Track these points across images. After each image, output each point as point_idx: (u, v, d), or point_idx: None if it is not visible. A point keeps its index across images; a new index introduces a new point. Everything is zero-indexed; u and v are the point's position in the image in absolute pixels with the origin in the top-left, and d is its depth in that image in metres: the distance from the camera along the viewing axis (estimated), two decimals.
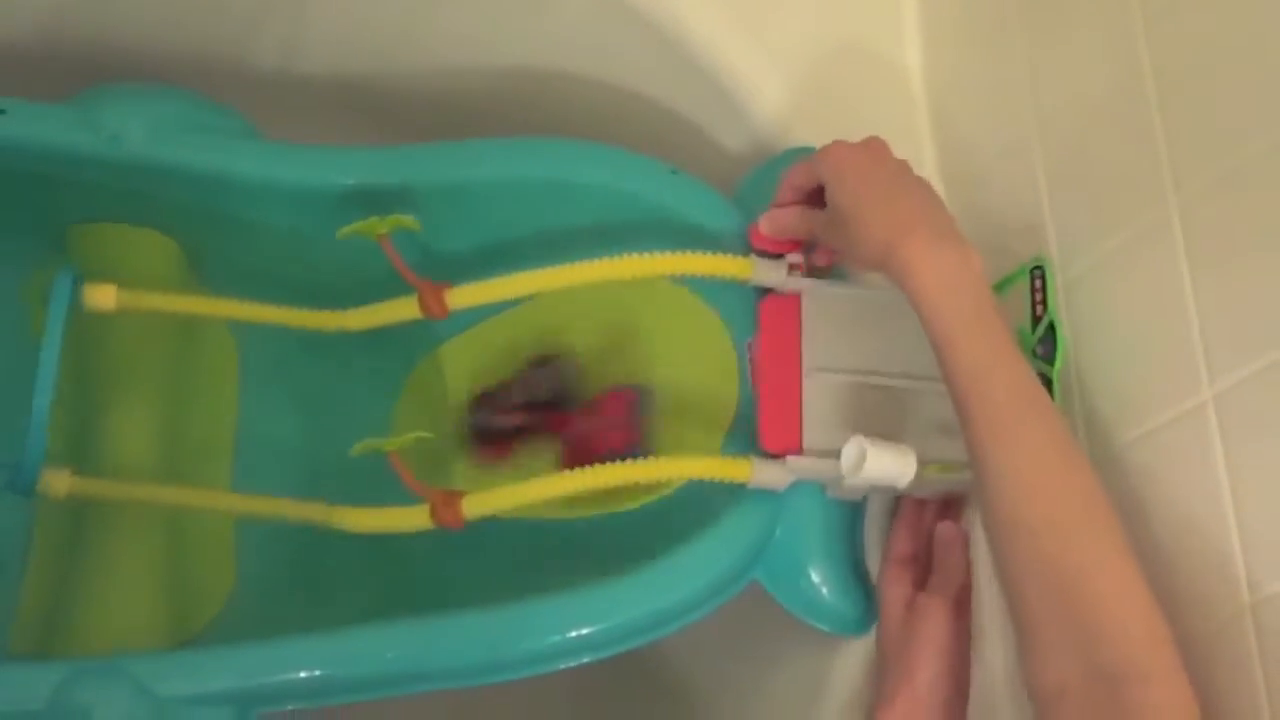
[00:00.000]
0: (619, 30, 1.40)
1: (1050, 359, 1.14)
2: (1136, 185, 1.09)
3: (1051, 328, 1.15)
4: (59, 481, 1.25)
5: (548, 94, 1.50)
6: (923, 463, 1.12)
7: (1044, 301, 1.16)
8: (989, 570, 1.14)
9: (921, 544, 1.18)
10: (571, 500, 1.16)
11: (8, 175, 1.28)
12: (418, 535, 1.22)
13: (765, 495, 1.16)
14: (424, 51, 1.51)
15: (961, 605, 1.14)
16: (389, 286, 1.29)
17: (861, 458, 1.10)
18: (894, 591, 1.15)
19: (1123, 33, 1.11)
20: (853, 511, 1.21)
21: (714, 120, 1.41)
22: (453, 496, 1.17)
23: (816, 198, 1.18)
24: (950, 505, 1.20)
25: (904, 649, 1.11)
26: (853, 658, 1.21)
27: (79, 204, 1.33)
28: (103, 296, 1.27)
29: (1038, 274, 1.18)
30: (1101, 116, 1.14)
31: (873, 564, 1.22)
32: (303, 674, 1.13)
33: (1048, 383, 1.14)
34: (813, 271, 1.23)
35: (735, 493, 1.17)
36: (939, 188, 1.30)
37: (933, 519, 1.19)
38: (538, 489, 1.13)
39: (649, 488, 1.21)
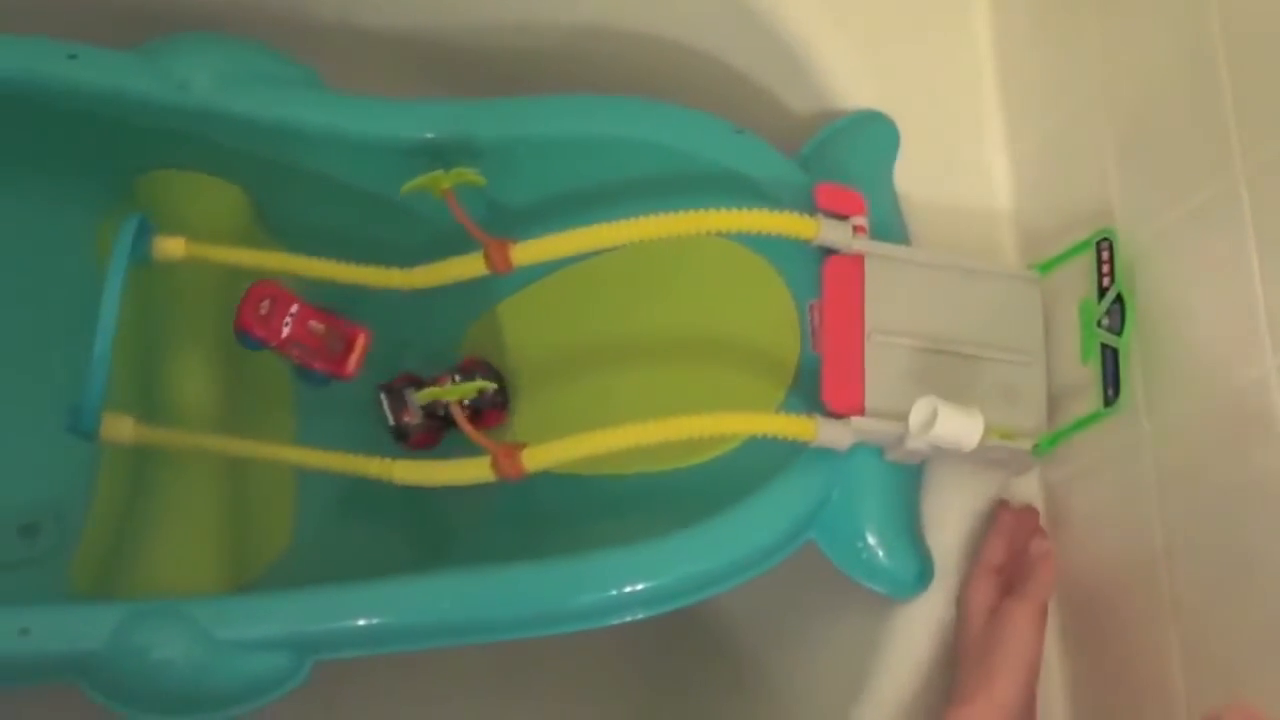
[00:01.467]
0: None
1: (1117, 330, 1.14)
2: (1204, 154, 1.08)
3: (1119, 299, 1.14)
4: (121, 427, 1.26)
5: (613, 52, 1.50)
6: (986, 428, 1.11)
7: (1111, 273, 1.16)
8: None
9: (1011, 555, 1.18)
10: (630, 456, 1.15)
11: (78, 120, 1.29)
12: (464, 494, 1.23)
13: (823, 456, 1.16)
14: (488, 6, 1.51)
15: (1044, 618, 1.14)
16: (454, 242, 1.29)
17: (932, 417, 1.10)
18: (979, 596, 1.16)
19: (1194, 1, 1.10)
20: (911, 475, 1.21)
21: (780, 82, 1.40)
22: (514, 448, 1.17)
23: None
24: (1040, 528, 1.21)
25: (987, 653, 1.11)
26: (907, 621, 1.21)
27: (148, 151, 1.35)
28: (172, 247, 1.28)
29: (1104, 245, 1.17)
30: (1170, 85, 1.14)
31: (932, 533, 1.22)
32: (360, 621, 1.13)
33: (1114, 354, 1.14)
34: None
35: (793, 453, 1.17)
36: (1003, 155, 1.31)
37: (1026, 534, 1.19)
38: (601, 440, 1.13)
39: (707, 445, 1.20)
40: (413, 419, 1.35)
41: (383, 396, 1.38)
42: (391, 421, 1.37)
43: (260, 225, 1.41)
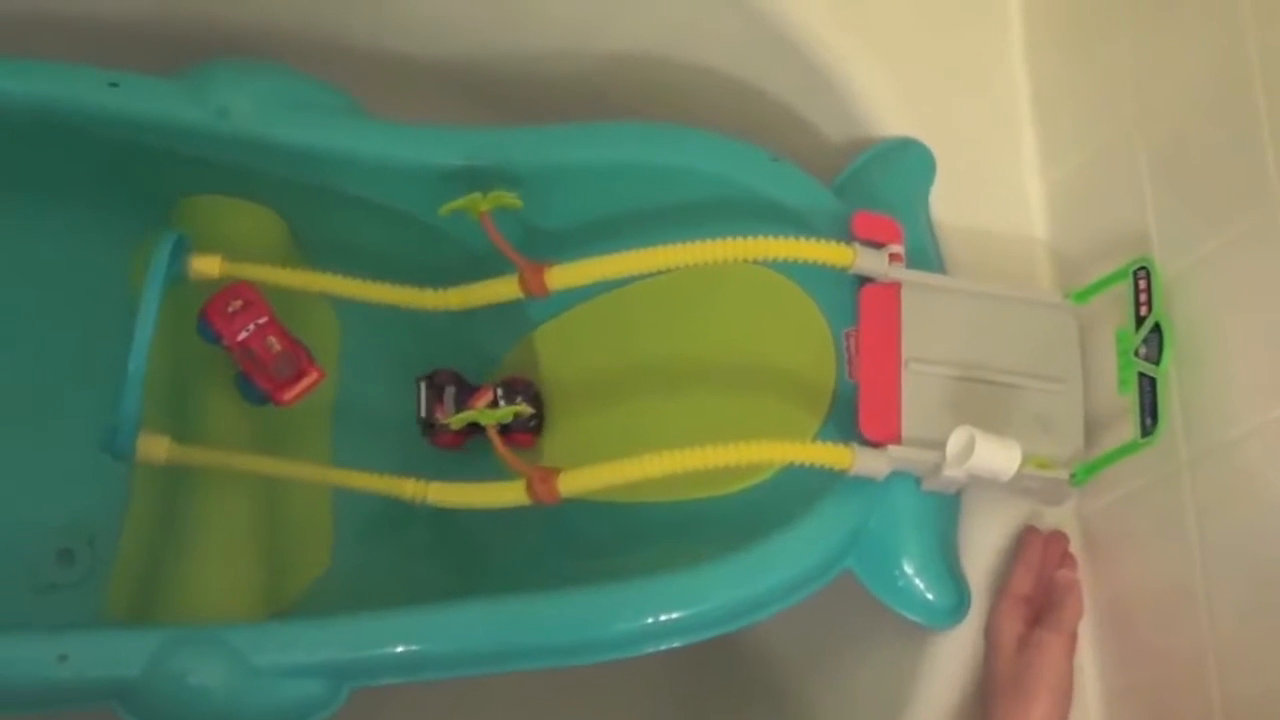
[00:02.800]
0: (720, 17, 1.41)
1: (1155, 359, 1.14)
2: (1241, 182, 1.08)
3: (1157, 327, 1.14)
4: (157, 447, 1.27)
5: (648, 79, 1.50)
6: (1023, 458, 1.11)
7: (1148, 302, 1.15)
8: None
9: (1038, 584, 1.18)
10: (665, 483, 1.15)
11: (119, 147, 1.30)
12: (498, 517, 1.23)
13: (860, 485, 1.16)
14: (526, 34, 1.52)
15: (1074, 647, 1.14)
16: (489, 265, 1.30)
17: (969, 447, 1.10)
18: (1009, 626, 1.16)
19: (1229, 27, 1.10)
20: (948, 504, 1.21)
21: (815, 109, 1.40)
22: (549, 473, 1.17)
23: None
24: (1068, 554, 1.20)
25: (1019, 682, 1.12)
26: (943, 650, 1.20)
27: (187, 177, 1.35)
28: (207, 266, 1.29)
29: (1142, 273, 1.17)
30: (1206, 111, 1.14)
31: (966, 561, 1.22)
32: (397, 649, 1.14)
33: (1152, 383, 1.13)
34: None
35: (830, 482, 1.17)
36: (1039, 182, 1.31)
37: (1054, 563, 1.19)
38: (637, 467, 1.13)
39: (743, 473, 1.21)
40: (445, 417, 1.35)
41: (422, 386, 1.39)
42: (423, 413, 1.38)
43: (296, 248, 1.42)
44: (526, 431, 1.37)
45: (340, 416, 1.44)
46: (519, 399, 1.35)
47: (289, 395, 1.33)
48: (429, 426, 1.38)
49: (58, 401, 1.37)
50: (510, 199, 1.27)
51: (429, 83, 1.57)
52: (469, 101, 1.59)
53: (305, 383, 1.33)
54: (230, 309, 1.31)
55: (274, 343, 1.32)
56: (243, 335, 1.31)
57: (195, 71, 1.32)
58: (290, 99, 1.32)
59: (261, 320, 1.32)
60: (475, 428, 1.28)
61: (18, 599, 1.31)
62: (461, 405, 1.36)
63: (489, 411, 1.25)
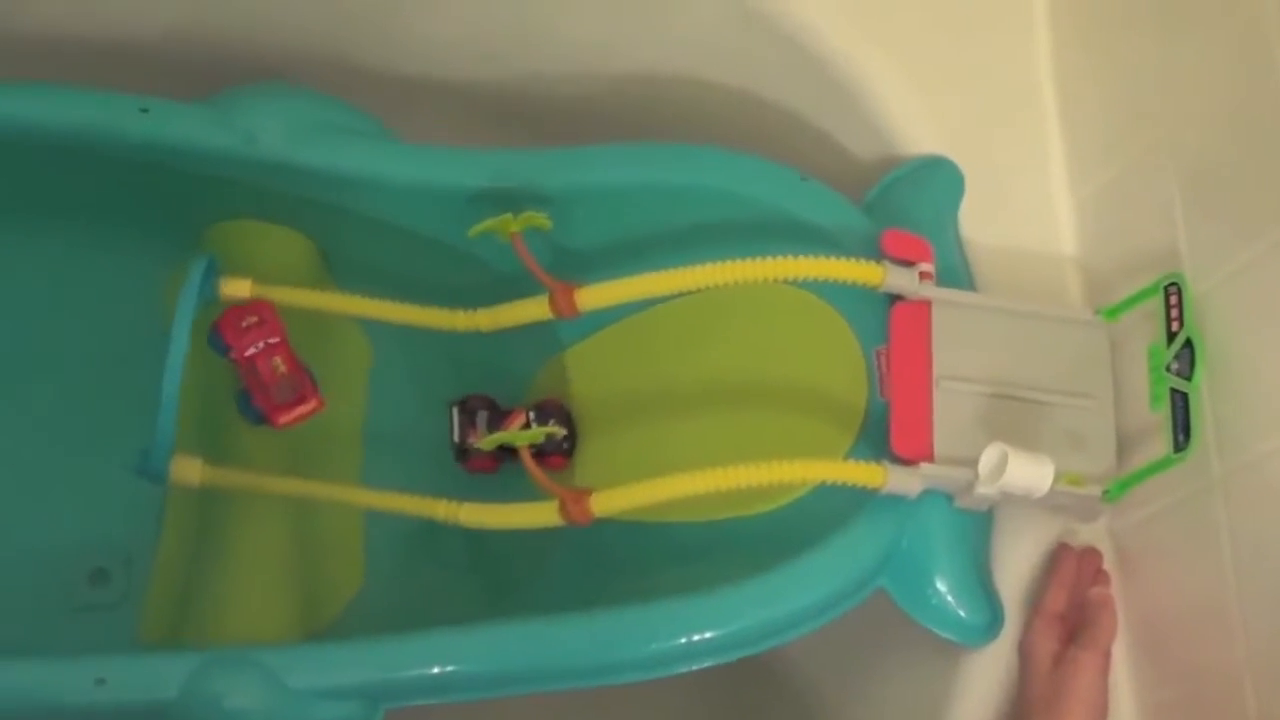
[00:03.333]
0: (745, 36, 1.41)
1: (1187, 375, 1.14)
2: (1271, 195, 1.08)
3: (1188, 343, 1.14)
4: (190, 469, 1.27)
5: (674, 99, 1.51)
6: (1056, 475, 1.11)
7: (1180, 317, 1.15)
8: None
9: (1072, 601, 1.18)
10: (697, 503, 1.15)
11: (149, 173, 1.31)
12: (530, 536, 1.23)
13: (892, 503, 1.16)
14: (551, 55, 1.52)
15: (1108, 665, 1.14)
16: (518, 287, 1.30)
17: (1002, 464, 1.10)
18: (1044, 644, 1.16)
19: (1258, 40, 1.10)
20: (980, 522, 1.21)
21: (843, 128, 1.41)
22: (582, 494, 1.18)
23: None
24: (1101, 571, 1.20)
25: (1054, 701, 1.12)
26: (977, 668, 1.20)
27: (216, 202, 1.36)
28: (238, 288, 1.30)
29: (1172, 289, 1.17)
30: (1235, 125, 1.14)
31: (999, 578, 1.22)
32: (432, 670, 1.14)
33: (1184, 399, 1.13)
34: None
35: (862, 500, 1.17)
36: (1068, 199, 1.31)
37: (1087, 581, 1.19)
38: (669, 486, 1.13)
39: (775, 492, 1.21)
40: (478, 441, 1.36)
41: (454, 412, 1.39)
42: (456, 439, 1.38)
43: (325, 271, 1.42)
44: (559, 453, 1.37)
45: (371, 438, 1.44)
46: (551, 421, 1.36)
47: (284, 419, 1.32)
48: (463, 451, 1.38)
49: (92, 424, 1.37)
50: (541, 219, 1.27)
51: (452, 105, 1.57)
52: (492, 123, 1.60)
53: (302, 409, 1.32)
54: (244, 323, 1.31)
55: (280, 364, 1.32)
56: (250, 351, 1.31)
57: (224, 97, 1.33)
58: (319, 123, 1.32)
59: (273, 340, 1.31)
60: (508, 451, 1.29)
61: (54, 620, 1.32)
62: (494, 428, 1.36)
63: (521, 433, 1.25)
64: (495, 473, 1.39)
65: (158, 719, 1.12)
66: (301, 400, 1.32)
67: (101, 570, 1.35)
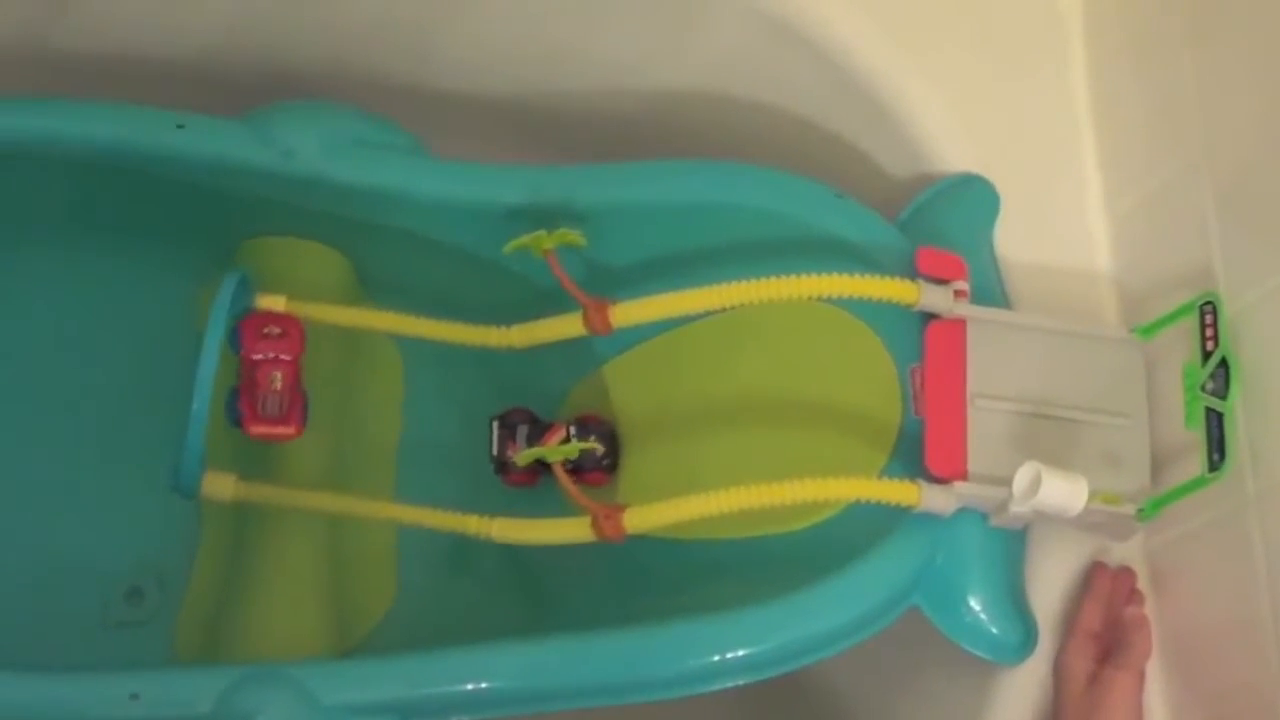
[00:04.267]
0: (778, 53, 1.41)
1: (1222, 394, 1.13)
2: None
3: (1224, 362, 1.14)
4: (223, 485, 1.28)
5: (708, 117, 1.51)
6: (1090, 493, 1.11)
7: (1215, 336, 1.15)
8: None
9: (1107, 620, 1.18)
10: (731, 521, 1.15)
11: (185, 189, 1.32)
12: (564, 552, 1.23)
13: (926, 521, 1.16)
14: (584, 74, 1.53)
15: (1143, 685, 1.14)
16: (552, 303, 1.30)
17: (1036, 482, 1.09)
18: (1079, 663, 1.15)
19: None
20: (1014, 540, 1.21)
21: (877, 146, 1.41)
22: (615, 510, 1.18)
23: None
24: (1136, 590, 1.20)
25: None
26: (1011, 686, 1.20)
27: (252, 218, 1.37)
28: (273, 304, 1.30)
29: (1208, 308, 1.16)
30: (1272, 143, 1.13)
31: (1032, 596, 1.22)
32: (466, 686, 1.14)
33: (1219, 418, 1.13)
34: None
35: (896, 518, 1.17)
36: (1103, 217, 1.31)
37: (1122, 599, 1.18)
38: (703, 504, 1.13)
39: (809, 510, 1.20)
40: (517, 455, 1.36)
41: (494, 425, 1.40)
42: (495, 452, 1.39)
43: (360, 288, 1.43)
44: (599, 469, 1.37)
45: (405, 453, 1.44)
46: (591, 436, 1.36)
47: (257, 430, 1.30)
48: (502, 465, 1.38)
49: (127, 440, 1.38)
50: (574, 237, 1.27)
51: (484, 123, 1.58)
52: (525, 141, 1.60)
53: (278, 430, 1.31)
54: (266, 330, 1.31)
55: (278, 380, 1.30)
56: (259, 356, 1.30)
57: (260, 113, 1.33)
58: (355, 139, 1.33)
59: (284, 356, 1.31)
60: (546, 465, 1.29)
61: (88, 636, 1.33)
62: (534, 443, 1.36)
63: (556, 448, 1.25)
64: (535, 486, 1.39)
65: None
66: (282, 422, 1.30)
67: (137, 587, 1.36)
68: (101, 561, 1.35)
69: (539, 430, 1.38)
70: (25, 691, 1.12)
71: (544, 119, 1.57)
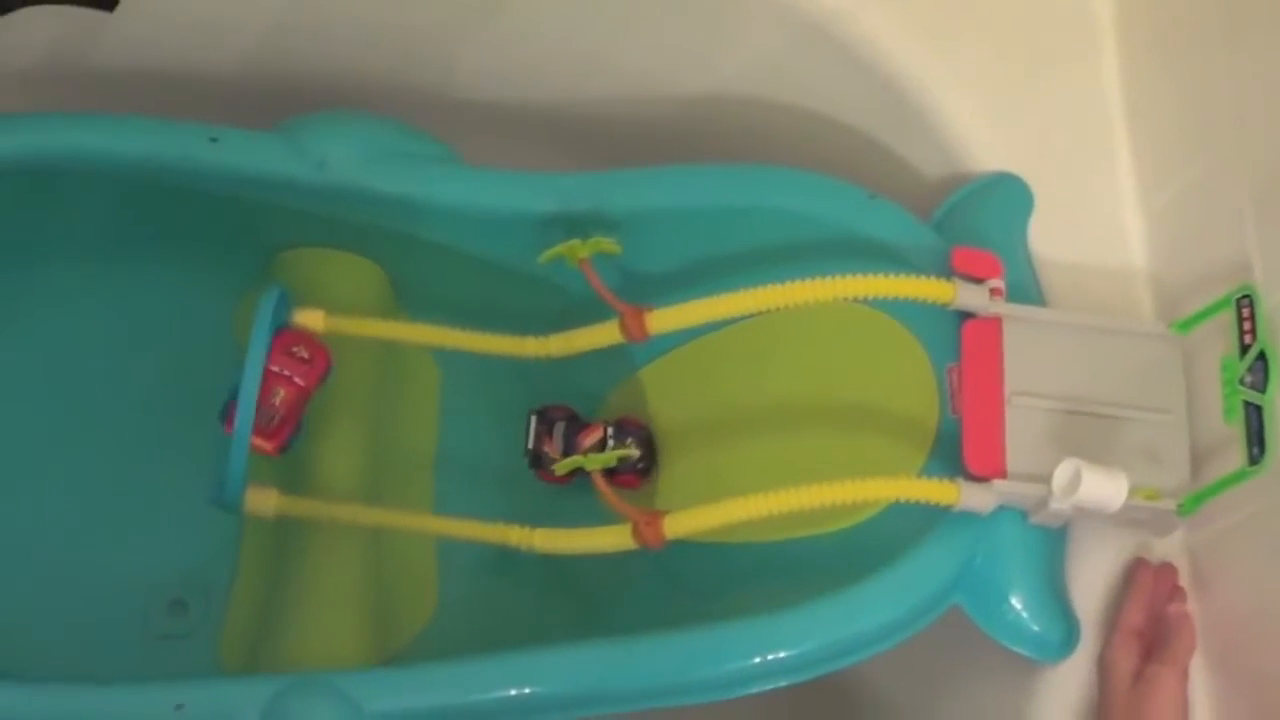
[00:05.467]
0: (810, 57, 1.41)
1: (1261, 388, 1.13)
2: None
3: (1262, 355, 1.13)
4: (265, 500, 1.28)
5: (740, 121, 1.51)
6: (1130, 489, 1.11)
7: (1253, 330, 1.15)
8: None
9: (1150, 617, 1.18)
10: (771, 523, 1.15)
11: (219, 202, 1.32)
12: (604, 558, 1.23)
13: (966, 520, 1.16)
14: (615, 78, 1.53)
15: (1186, 681, 1.14)
16: (588, 311, 1.31)
17: (1075, 479, 1.09)
18: (1124, 661, 1.15)
19: None
20: (1055, 537, 1.20)
21: (910, 146, 1.41)
22: (654, 516, 1.18)
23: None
24: (1178, 586, 1.20)
25: (1135, 718, 1.11)
26: (1054, 684, 1.20)
27: (286, 229, 1.37)
28: (311, 320, 1.30)
29: (1245, 302, 1.16)
30: None
31: (1073, 593, 1.21)
32: (509, 692, 1.14)
33: (1258, 411, 1.13)
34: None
35: (936, 518, 1.17)
36: (1137, 212, 1.31)
37: (1165, 596, 1.18)
38: (743, 507, 1.14)
39: (849, 511, 1.20)
40: (553, 451, 1.37)
41: (532, 419, 1.40)
42: (530, 445, 1.39)
43: (395, 298, 1.43)
44: (633, 473, 1.37)
45: (442, 464, 1.45)
46: (629, 440, 1.36)
47: (230, 428, 1.25)
48: (536, 459, 1.39)
49: (167, 454, 1.39)
50: (609, 244, 1.28)
51: (514, 131, 1.58)
52: (556, 149, 1.60)
53: (256, 441, 1.27)
54: (295, 349, 1.30)
55: (280, 395, 1.29)
56: (275, 369, 1.28)
57: (293, 124, 1.34)
58: (387, 149, 1.34)
59: (299, 380, 1.29)
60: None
61: (133, 649, 1.34)
62: (570, 440, 1.37)
63: (594, 456, 1.26)
64: (569, 483, 1.39)
65: None
66: (264, 435, 1.28)
67: (180, 600, 1.36)
68: (145, 574, 1.36)
69: (576, 428, 1.38)
70: (72, 702, 1.13)
71: (574, 127, 1.57)
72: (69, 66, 1.43)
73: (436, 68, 1.52)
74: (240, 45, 1.46)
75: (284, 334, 1.30)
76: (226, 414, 1.27)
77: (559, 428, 1.38)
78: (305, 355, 1.29)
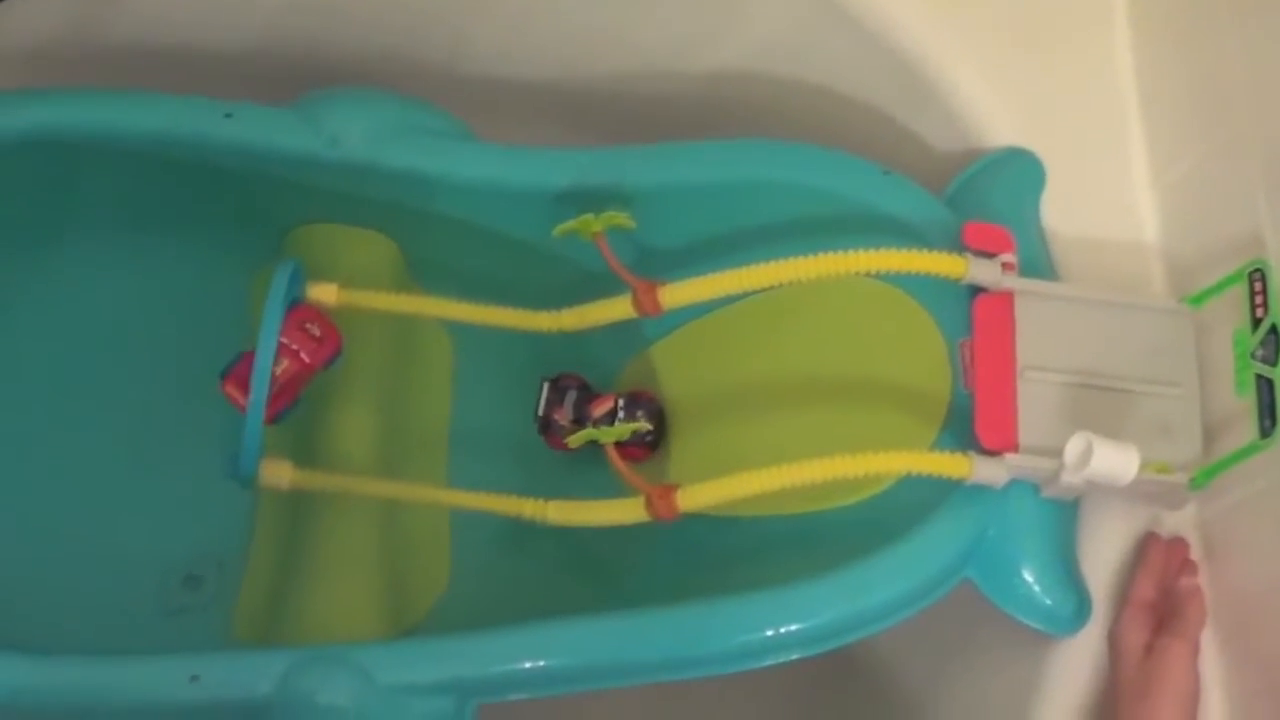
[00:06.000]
0: (822, 32, 1.41)
1: (1272, 361, 1.13)
2: None
3: (1274, 329, 1.14)
4: (280, 473, 1.29)
5: (755, 97, 1.51)
6: (1142, 463, 1.11)
7: (1265, 304, 1.15)
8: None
9: (1161, 590, 1.18)
10: (783, 497, 1.15)
11: (234, 177, 1.33)
12: (617, 531, 1.24)
13: (978, 494, 1.16)
14: (626, 55, 1.53)
15: (1197, 654, 1.14)
16: (601, 285, 1.31)
17: (1087, 452, 1.10)
18: (1134, 633, 1.15)
19: None
20: (1066, 511, 1.21)
21: (922, 121, 1.41)
22: (668, 489, 1.18)
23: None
24: (1189, 560, 1.20)
25: (1146, 691, 1.11)
26: (1065, 657, 1.20)
27: (301, 205, 1.38)
28: (325, 294, 1.31)
29: (1257, 276, 1.16)
30: None
31: (1085, 567, 1.22)
32: (525, 664, 1.15)
33: (1270, 385, 1.13)
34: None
35: (948, 491, 1.17)
36: (1149, 187, 1.31)
37: (1176, 570, 1.19)
38: (756, 481, 1.14)
39: (861, 485, 1.21)
40: (562, 419, 1.37)
41: (545, 386, 1.41)
42: (540, 412, 1.40)
43: (409, 273, 1.44)
44: (642, 446, 1.37)
45: (456, 437, 1.45)
46: (640, 414, 1.36)
47: (228, 388, 1.27)
48: (545, 426, 1.39)
49: (182, 430, 1.39)
50: (623, 219, 1.28)
51: (528, 108, 1.58)
52: (569, 125, 1.61)
53: (241, 395, 1.26)
54: (308, 325, 1.30)
55: (283, 367, 1.28)
56: (284, 341, 1.27)
57: (307, 101, 1.34)
58: (401, 125, 1.34)
59: (304, 356, 1.29)
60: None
61: (147, 623, 1.34)
62: (581, 410, 1.37)
63: (607, 429, 1.26)
64: (578, 452, 1.40)
65: (249, 715, 1.14)
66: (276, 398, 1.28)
67: (194, 574, 1.37)
68: (159, 549, 1.37)
69: (587, 397, 1.39)
70: (88, 675, 1.14)
71: (586, 102, 1.58)
72: (81, 44, 1.44)
73: (449, 46, 1.52)
74: (255, 22, 1.46)
75: (300, 309, 1.30)
76: (226, 374, 1.28)
77: (570, 396, 1.39)
78: (317, 333, 1.29)
